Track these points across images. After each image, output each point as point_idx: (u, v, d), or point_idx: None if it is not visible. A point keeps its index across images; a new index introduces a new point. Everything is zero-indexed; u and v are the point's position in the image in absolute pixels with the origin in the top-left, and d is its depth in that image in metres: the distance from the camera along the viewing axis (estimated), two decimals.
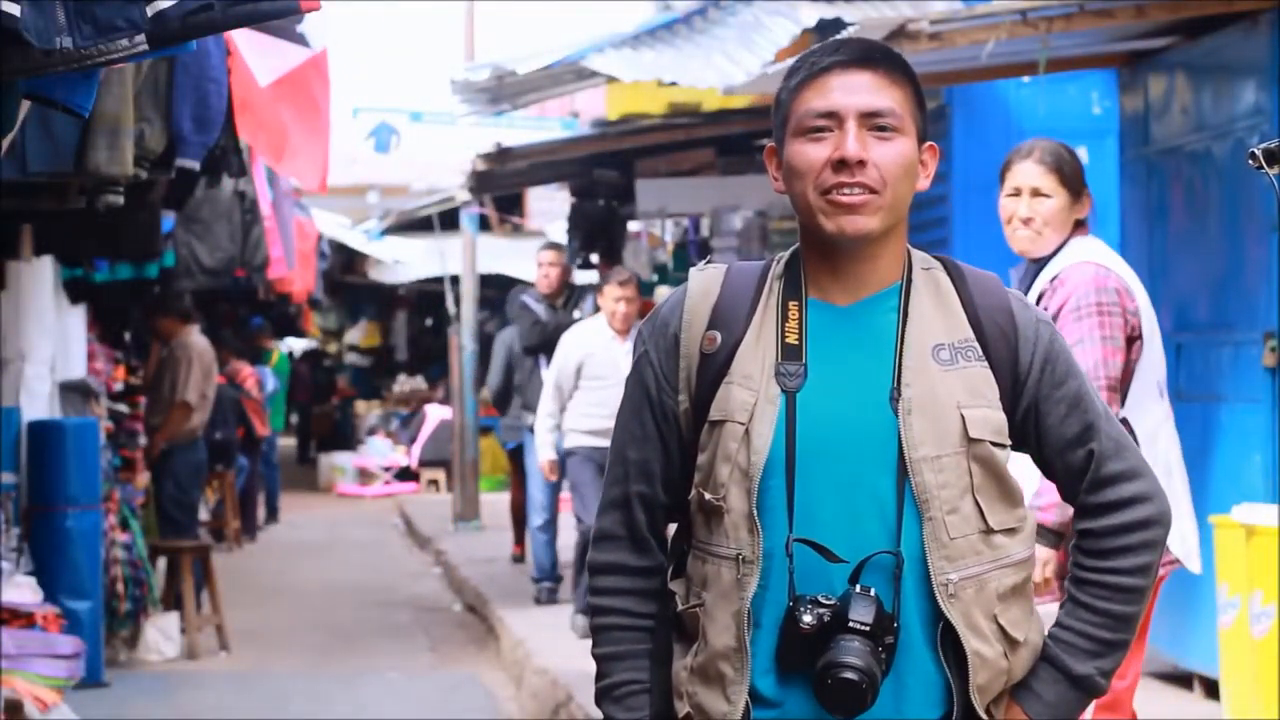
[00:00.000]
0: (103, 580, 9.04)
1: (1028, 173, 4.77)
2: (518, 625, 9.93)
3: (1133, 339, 4.65)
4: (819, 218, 2.57)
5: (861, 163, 2.54)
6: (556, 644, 9.00)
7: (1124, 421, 4.60)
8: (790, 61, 2.66)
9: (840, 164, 2.54)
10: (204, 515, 13.72)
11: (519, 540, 13.40)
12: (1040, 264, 4.76)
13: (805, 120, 2.58)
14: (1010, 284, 4.83)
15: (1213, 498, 6.74)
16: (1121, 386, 4.65)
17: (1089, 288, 4.62)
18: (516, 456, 13.50)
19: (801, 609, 2.49)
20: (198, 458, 11.10)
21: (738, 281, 2.66)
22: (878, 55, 2.60)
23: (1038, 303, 4.68)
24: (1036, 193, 4.75)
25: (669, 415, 2.65)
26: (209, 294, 14.03)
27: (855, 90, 2.56)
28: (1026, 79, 8.71)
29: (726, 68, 8.57)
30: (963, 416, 2.55)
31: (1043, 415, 2.62)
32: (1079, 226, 4.80)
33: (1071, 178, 4.76)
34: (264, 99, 7.46)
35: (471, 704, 8.74)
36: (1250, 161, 2.90)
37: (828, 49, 2.62)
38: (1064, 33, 7.28)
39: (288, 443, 25.22)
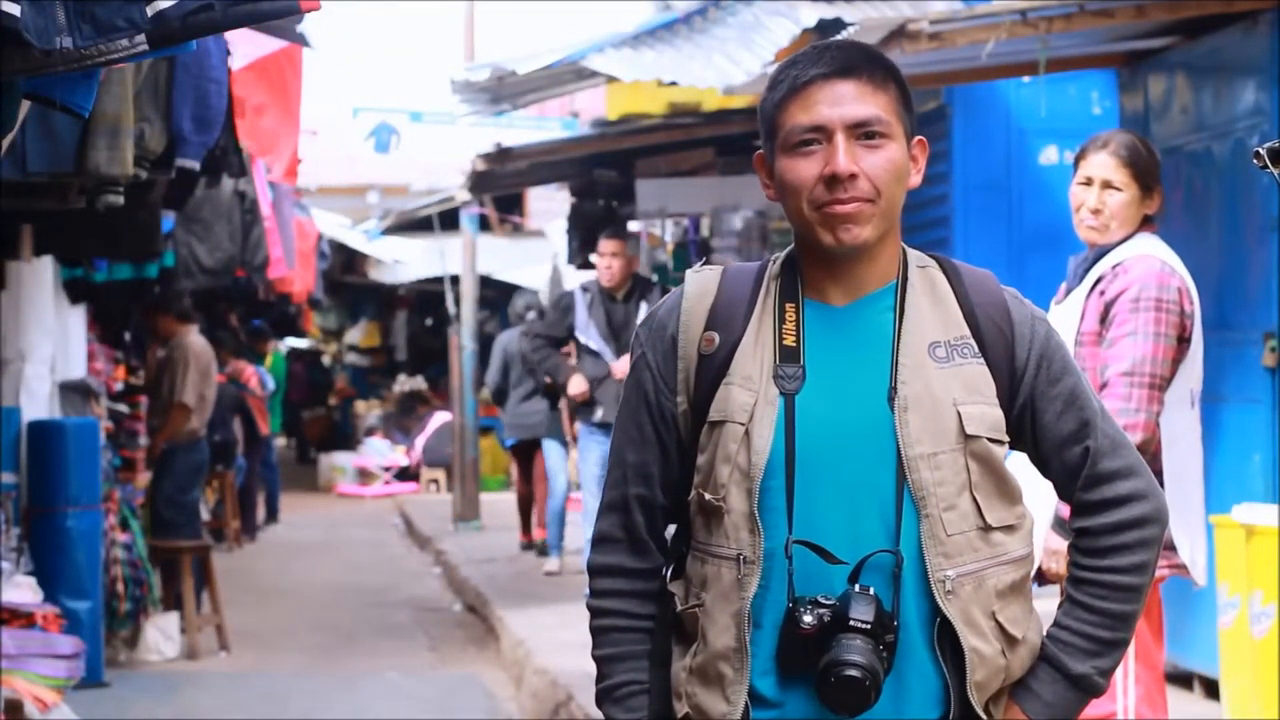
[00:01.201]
0: (103, 580, 9.04)
1: (1101, 164, 4.77)
2: (518, 625, 9.93)
3: (1183, 339, 4.67)
4: (815, 231, 2.57)
5: (853, 176, 2.54)
6: (556, 644, 9.00)
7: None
8: (774, 67, 2.65)
9: (832, 179, 2.54)
10: (204, 515, 13.71)
11: (526, 530, 13.51)
12: (1102, 251, 4.75)
13: (792, 136, 2.57)
14: (1065, 272, 4.86)
15: (1213, 498, 6.73)
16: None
17: (1152, 282, 4.63)
18: (518, 454, 13.58)
19: (801, 610, 2.49)
20: (198, 458, 11.06)
21: (734, 283, 2.66)
22: (859, 62, 2.59)
23: (1095, 286, 4.69)
24: (1107, 185, 4.76)
25: (667, 417, 2.65)
26: (209, 294, 14.02)
27: (840, 101, 2.55)
28: (1026, 79, 8.71)
29: (726, 68, 8.56)
30: (959, 413, 2.55)
31: (1039, 412, 2.62)
32: (1147, 223, 4.80)
33: (1144, 173, 4.77)
34: (236, 82, 7.52)
35: (471, 704, 8.74)
36: (1255, 160, 2.90)
37: (808, 59, 2.60)
38: (1064, 33, 7.28)
39: (280, 443, 25.17)
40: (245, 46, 7.50)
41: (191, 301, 11.75)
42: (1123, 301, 4.63)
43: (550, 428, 12.53)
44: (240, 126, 7.86)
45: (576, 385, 10.21)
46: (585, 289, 10.39)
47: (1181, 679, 7.29)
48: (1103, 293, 4.69)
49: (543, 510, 13.20)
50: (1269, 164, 2.87)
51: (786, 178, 2.58)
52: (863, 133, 2.55)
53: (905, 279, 2.62)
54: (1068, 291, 4.85)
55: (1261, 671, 6.09)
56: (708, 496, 2.59)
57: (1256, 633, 6.13)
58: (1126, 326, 4.61)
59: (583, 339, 10.35)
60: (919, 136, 2.64)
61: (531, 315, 13.22)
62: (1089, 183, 4.79)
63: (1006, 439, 2.61)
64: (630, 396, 2.69)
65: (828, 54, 2.59)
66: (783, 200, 2.61)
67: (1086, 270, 4.77)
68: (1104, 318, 4.68)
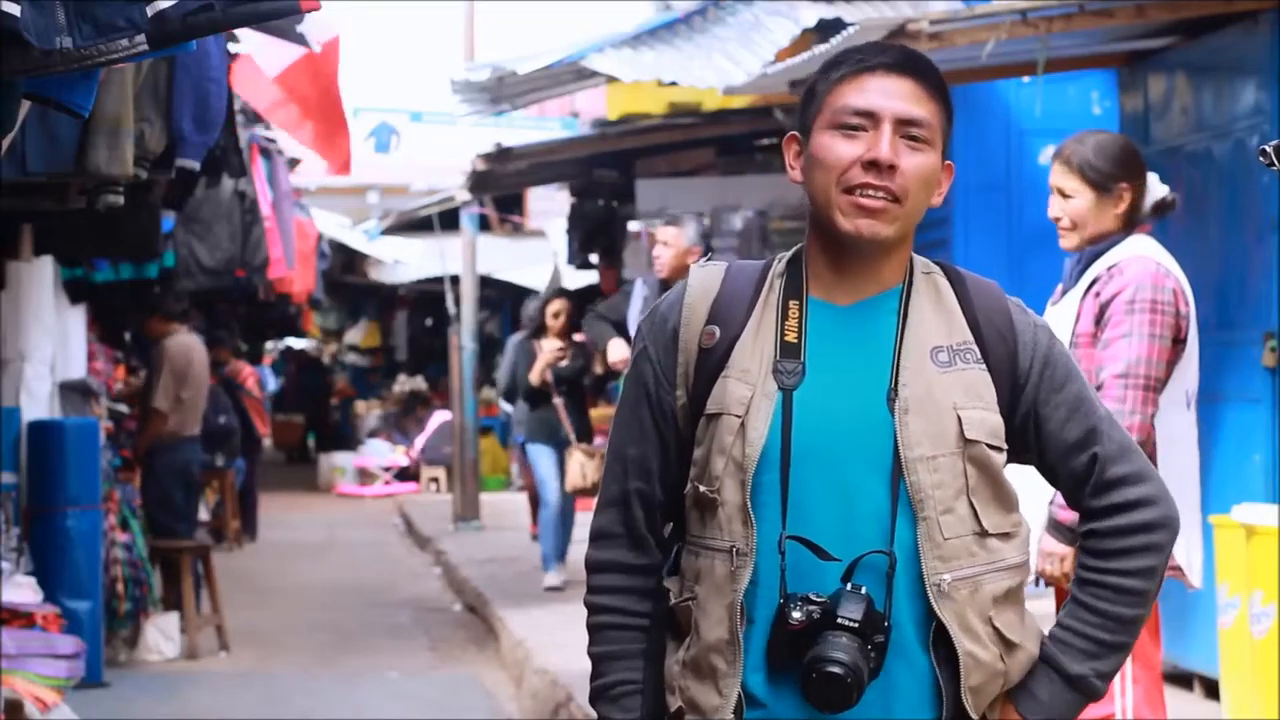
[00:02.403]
0: (103, 580, 9.04)
1: (1054, 173, 4.82)
2: (518, 625, 9.93)
3: (1178, 340, 4.67)
4: (836, 215, 2.57)
5: (892, 167, 2.54)
6: (556, 644, 9.00)
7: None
8: (800, 56, 2.67)
9: (871, 164, 2.54)
10: (204, 515, 13.70)
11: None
12: (1096, 252, 4.75)
13: (840, 115, 2.57)
14: (1062, 274, 4.86)
15: (1213, 498, 6.74)
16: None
17: (1147, 283, 4.62)
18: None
19: (791, 606, 2.49)
20: (180, 459, 10.86)
21: (738, 278, 2.66)
22: (921, 65, 2.60)
23: (1090, 288, 4.69)
24: (1061, 193, 4.78)
25: (667, 411, 2.65)
26: (209, 294, 14.03)
27: (895, 95, 2.56)
28: (1026, 79, 8.71)
29: (726, 68, 8.56)
30: (959, 417, 2.55)
31: (1043, 420, 2.61)
32: (1138, 222, 4.79)
33: (1097, 176, 4.75)
34: (278, 91, 7.52)
35: (471, 704, 8.74)
36: (1261, 159, 2.90)
37: (873, 49, 2.62)
38: (1064, 33, 7.28)
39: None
40: (280, 50, 7.47)
41: (190, 301, 11.75)
42: (1117, 303, 4.62)
43: (534, 431, 11.97)
44: (286, 127, 7.86)
45: (617, 350, 10.05)
46: (646, 280, 10.19)
47: (1181, 679, 7.29)
48: (1098, 294, 4.69)
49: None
50: (1275, 162, 2.87)
51: (822, 154, 2.58)
52: (909, 132, 2.56)
53: (910, 283, 2.63)
54: (1063, 293, 4.85)
55: (1261, 671, 6.09)
56: (702, 489, 2.58)
57: (1256, 633, 6.13)
58: (1121, 328, 4.60)
59: (630, 329, 10.11)
60: (949, 161, 2.65)
61: None
62: (1053, 193, 4.83)
63: (1005, 446, 2.59)
64: (631, 390, 2.68)
65: (893, 50, 2.62)
66: (809, 178, 2.60)
67: (1081, 272, 4.77)
68: (1099, 319, 4.68)
